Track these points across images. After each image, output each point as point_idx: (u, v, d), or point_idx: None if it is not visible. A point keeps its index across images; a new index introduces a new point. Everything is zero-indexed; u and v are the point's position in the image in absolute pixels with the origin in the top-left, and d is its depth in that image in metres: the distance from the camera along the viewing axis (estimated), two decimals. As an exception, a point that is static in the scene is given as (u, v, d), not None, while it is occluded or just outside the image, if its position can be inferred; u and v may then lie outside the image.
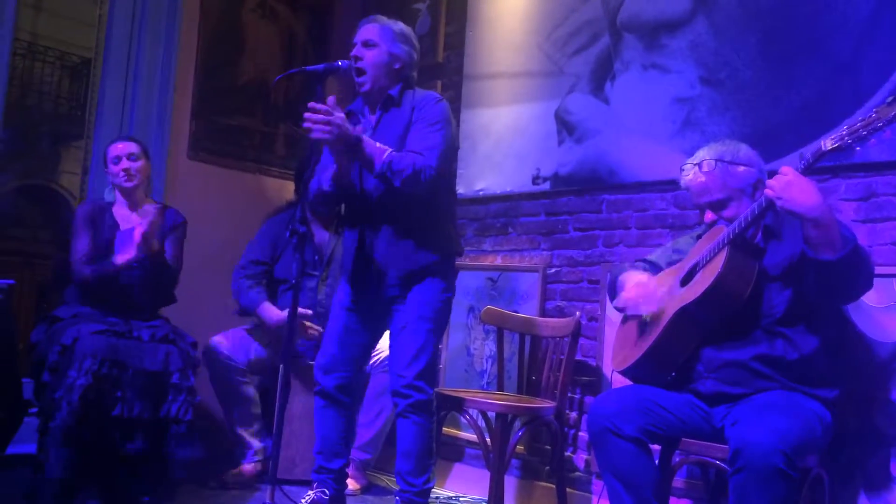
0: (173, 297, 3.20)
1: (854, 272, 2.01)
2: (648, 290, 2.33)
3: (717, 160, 2.26)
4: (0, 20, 3.37)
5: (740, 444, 1.94)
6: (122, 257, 2.92)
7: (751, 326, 2.18)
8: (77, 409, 2.59)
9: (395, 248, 2.60)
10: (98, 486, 2.68)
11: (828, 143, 1.97)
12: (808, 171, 2.02)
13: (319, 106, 2.39)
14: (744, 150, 2.30)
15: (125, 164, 3.07)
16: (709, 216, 2.30)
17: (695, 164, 2.30)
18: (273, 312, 3.35)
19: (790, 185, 1.98)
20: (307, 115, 2.39)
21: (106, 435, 2.69)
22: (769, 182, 2.04)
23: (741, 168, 2.26)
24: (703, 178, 2.27)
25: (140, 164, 3.11)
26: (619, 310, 2.46)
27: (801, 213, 1.98)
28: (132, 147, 3.11)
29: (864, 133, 1.91)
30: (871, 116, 1.91)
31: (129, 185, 3.07)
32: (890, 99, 1.91)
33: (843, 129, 1.95)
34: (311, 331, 3.32)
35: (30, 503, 2.67)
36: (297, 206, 2.52)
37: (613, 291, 2.49)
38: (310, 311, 3.33)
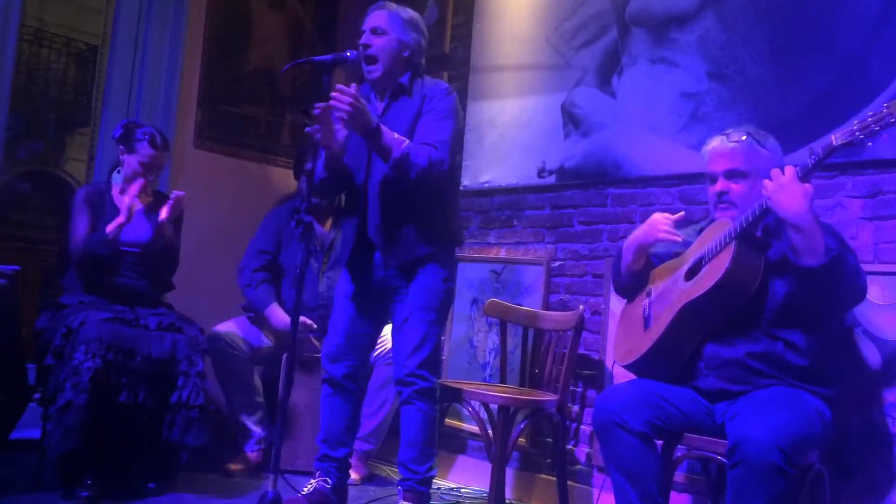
0: (172, 284, 3.21)
1: (837, 282, 2.03)
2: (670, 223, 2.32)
3: (747, 134, 2.29)
4: (7, 5, 3.37)
5: (738, 439, 1.95)
6: (111, 225, 2.91)
7: (753, 323, 2.18)
8: (86, 392, 2.60)
9: (396, 236, 2.61)
10: (103, 473, 2.69)
11: (838, 139, 1.97)
12: (818, 166, 2.03)
13: (346, 89, 2.39)
14: (772, 139, 2.33)
15: (153, 174, 3.07)
16: (720, 185, 2.29)
17: (723, 135, 2.33)
18: (279, 316, 3.35)
19: (782, 188, 2.01)
20: (335, 94, 2.39)
21: (111, 421, 2.70)
22: (765, 181, 2.06)
23: (766, 151, 2.28)
24: (729, 146, 2.29)
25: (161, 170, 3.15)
26: (636, 243, 2.40)
27: (783, 218, 2.02)
28: (164, 159, 3.11)
29: (876, 128, 1.92)
30: (882, 112, 1.91)
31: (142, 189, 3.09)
32: None
33: (854, 125, 1.95)
34: (310, 342, 3.35)
35: (35, 487, 2.69)
36: (300, 196, 2.52)
37: (619, 261, 2.48)
38: (314, 326, 3.35)
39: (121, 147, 3.08)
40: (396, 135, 2.51)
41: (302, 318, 3.28)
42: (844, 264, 2.02)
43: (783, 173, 2.03)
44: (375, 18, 2.65)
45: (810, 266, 2.00)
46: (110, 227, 2.90)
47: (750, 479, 1.91)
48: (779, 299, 2.17)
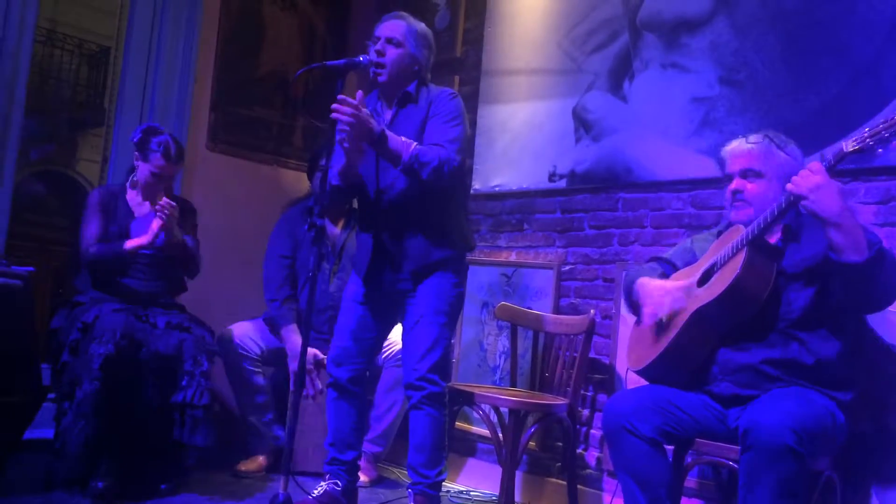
0: (184, 286, 3.23)
1: (882, 275, 2.00)
2: (665, 291, 2.32)
3: (765, 136, 2.30)
4: (23, 8, 3.39)
5: (750, 425, 1.95)
6: (132, 242, 2.94)
7: (767, 329, 2.18)
8: (98, 380, 2.62)
9: (410, 243, 2.63)
10: (115, 473, 2.71)
11: (849, 145, 1.97)
12: (829, 172, 2.02)
13: (348, 99, 2.40)
14: (793, 145, 2.32)
15: (164, 184, 3.09)
16: (735, 184, 2.29)
17: (743, 138, 2.34)
18: (293, 340, 3.33)
19: (819, 187, 1.97)
20: (336, 106, 2.40)
21: (121, 417, 2.71)
22: (794, 178, 2.02)
23: (784, 155, 2.28)
24: (746, 147, 2.30)
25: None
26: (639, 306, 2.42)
27: (824, 217, 1.98)
28: (176, 170, 3.13)
29: (887, 135, 1.91)
30: (893, 119, 1.91)
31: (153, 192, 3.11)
32: None
33: (865, 131, 1.95)
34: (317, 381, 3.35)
35: (48, 487, 2.70)
36: (312, 199, 2.53)
37: (630, 296, 2.47)
38: (323, 362, 3.32)
39: (136, 152, 3.11)
40: (403, 138, 2.52)
41: (312, 351, 3.31)
42: (888, 254, 2.00)
43: (812, 172, 1.98)
44: (392, 28, 2.66)
45: (856, 262, 1.97)
46: (129, 245, 2.93)
47: (762, 460, 1.91)
48: (795, 304, 2.16)
